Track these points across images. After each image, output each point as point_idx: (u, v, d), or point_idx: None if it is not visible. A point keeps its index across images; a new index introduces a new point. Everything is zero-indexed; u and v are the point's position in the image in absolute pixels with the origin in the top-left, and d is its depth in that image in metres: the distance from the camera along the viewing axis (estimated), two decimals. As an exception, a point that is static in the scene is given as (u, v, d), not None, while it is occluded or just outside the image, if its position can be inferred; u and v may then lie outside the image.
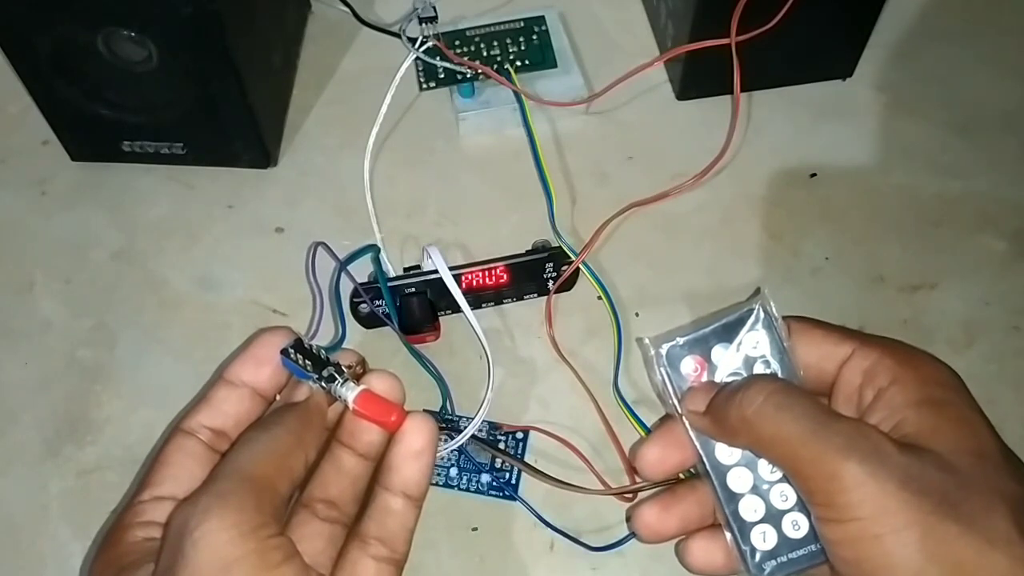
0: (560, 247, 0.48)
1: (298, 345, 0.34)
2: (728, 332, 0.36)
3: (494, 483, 0.44)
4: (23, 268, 0.52)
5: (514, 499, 0.44)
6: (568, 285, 0.49)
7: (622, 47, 0.59)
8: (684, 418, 0.36)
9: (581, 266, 0.48)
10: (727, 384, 0.35)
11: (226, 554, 0.27)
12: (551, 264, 0.48)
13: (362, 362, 0.35)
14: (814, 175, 0.54)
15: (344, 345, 0.48)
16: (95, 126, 0.51)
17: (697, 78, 0.55)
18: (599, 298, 0.49)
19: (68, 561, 0.43)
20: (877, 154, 0.55)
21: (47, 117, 0.52)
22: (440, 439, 0.44)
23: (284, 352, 0.34)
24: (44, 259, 0.52)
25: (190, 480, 0.31)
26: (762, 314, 0.36)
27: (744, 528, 0.35)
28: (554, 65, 0.56)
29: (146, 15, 0.45)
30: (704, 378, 0.36)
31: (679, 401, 0.36)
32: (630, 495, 0.43)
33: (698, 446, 0.35)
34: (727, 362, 0.36)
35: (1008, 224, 0.52)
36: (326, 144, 0.56)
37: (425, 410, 0.45)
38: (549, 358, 0.48)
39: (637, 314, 0.49)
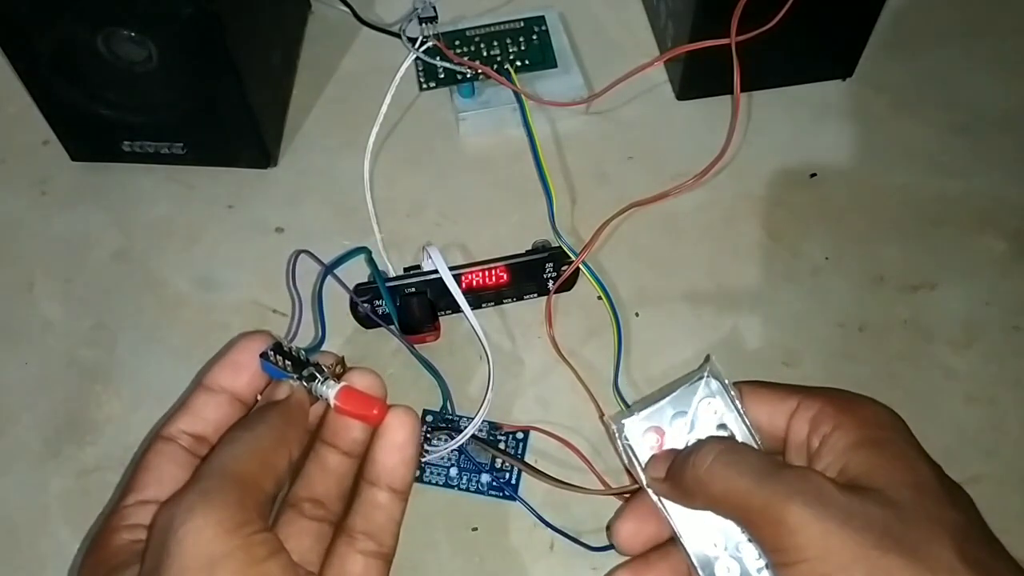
0: (560, 247, 0.48)
1: (277, 348, 0.34)
2: (683, 402, 0.37)
3: (494, 483, 0.44)
4: (23, 268, 0.52)
5: (514, 499, 0.44)
6: (568, 285, 0.49)
7: (622, 47, 0.59)
8: (648, 487, 0.36)
9: (581, 266, 0.48)
10: (683, 450, 0.36)
11: (211, 551, 0.27)
12: (551, 264, 0.48)
13: (341, 361, 0.35)
14: (814, 175, 0.54)
15: (343, 345, 0.48)
16: (95, 126, 0.51)
17: (697, 78, 0.55)
18: (599, 298, 0.49)
19: (68, 561, 0.43)
20: (877, 154, 0.55)
21: (47, 117, 0.52)
22: (440, 439, 0.44)
23: (264, 355, 0.34)
24: (44, 259, 0.52)
25: (173, 483, 0.31)
26: (713, 382, 0.37)
27: None
28: (554, 65, 0.56)
29: (146, 15, 0.45)
30: (665, 448, 0.37)
31: (643, 471, 0.37)
32: (630, 495, 0.43)
33: (667, 513, 0.36)
34: (685, 432, 0.37)
35: (1008, 224, 0.52)
36: (326, 144, 0.56)
37: (425, 410, 0.46)
38: (549, 358, 0.48)
39: (637, 314, 0.49)
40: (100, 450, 0.46)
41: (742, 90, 0.47)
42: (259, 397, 0.35)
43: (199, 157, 0.54)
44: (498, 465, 0.45)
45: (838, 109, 0.56)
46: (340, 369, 0.35)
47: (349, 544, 0.33)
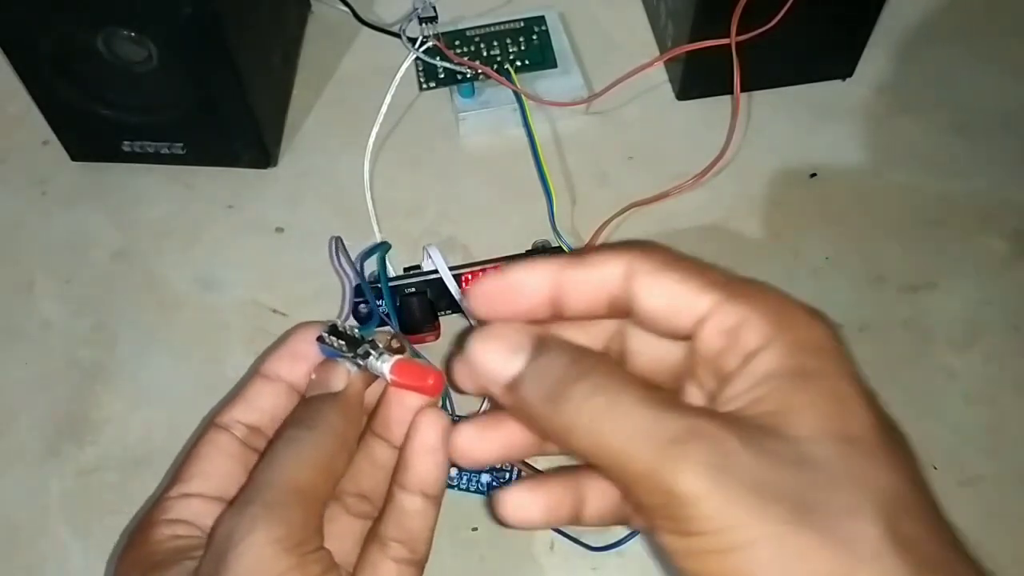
0: (560, 247, 0.48)
1: (332, 329, 0.33)
2: None
3: (494, 483, 0.44)
4: (23, 268, 0.52)
5: (514, 499, 0.44)
6: (568, 285, 0.49)
7: (622, 47, 0.59)
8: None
9: (581, 266, 0.48)
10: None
11: (268, 569, 0.27)
12: (551, 264, 0.48)
13: (397, 337, 0.34)
14: (814, 175, 0.54)
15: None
16: (95, 126, 0.51)
17: (697, 78, 0.55)
18: (599, 298, 0.49)
19: (68, 561, 0.43)
20: (877, 154, 0.55)
21: (47, 117, 0.52)
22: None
23: (320, 339, 0.33)
24: (44, 259, 0.52)
25: (221, 477, 0.31)
26: None
27: None
28: (554, 65, 0.56)
29: (146, 15, 0.45)
30: None
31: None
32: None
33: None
34: None
35: (1008, 224, 0.52)
36: (326, 144, 0.56)
37: (425, 410, 0.46)
38: (549, 358, 0.48)
39: (637, 314, 0.49)
40: (100, 450, 0.46)
41: (742, 90, 0.48)
42: (312, 376, 0.33)
43: (199, 157, 0.54)
44: (498, 465, 0.45)
45: (838, 109, 0.56)
46: (397, 344, 0.34)
47: (382, 551, 0.32)
